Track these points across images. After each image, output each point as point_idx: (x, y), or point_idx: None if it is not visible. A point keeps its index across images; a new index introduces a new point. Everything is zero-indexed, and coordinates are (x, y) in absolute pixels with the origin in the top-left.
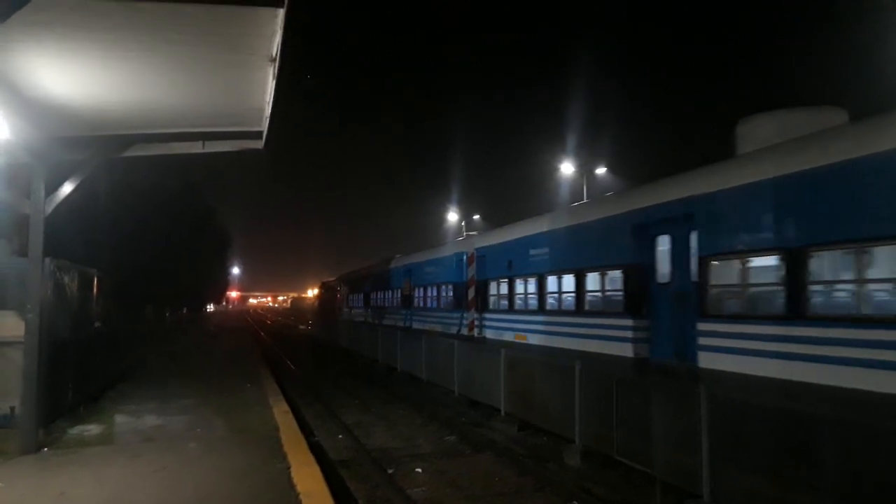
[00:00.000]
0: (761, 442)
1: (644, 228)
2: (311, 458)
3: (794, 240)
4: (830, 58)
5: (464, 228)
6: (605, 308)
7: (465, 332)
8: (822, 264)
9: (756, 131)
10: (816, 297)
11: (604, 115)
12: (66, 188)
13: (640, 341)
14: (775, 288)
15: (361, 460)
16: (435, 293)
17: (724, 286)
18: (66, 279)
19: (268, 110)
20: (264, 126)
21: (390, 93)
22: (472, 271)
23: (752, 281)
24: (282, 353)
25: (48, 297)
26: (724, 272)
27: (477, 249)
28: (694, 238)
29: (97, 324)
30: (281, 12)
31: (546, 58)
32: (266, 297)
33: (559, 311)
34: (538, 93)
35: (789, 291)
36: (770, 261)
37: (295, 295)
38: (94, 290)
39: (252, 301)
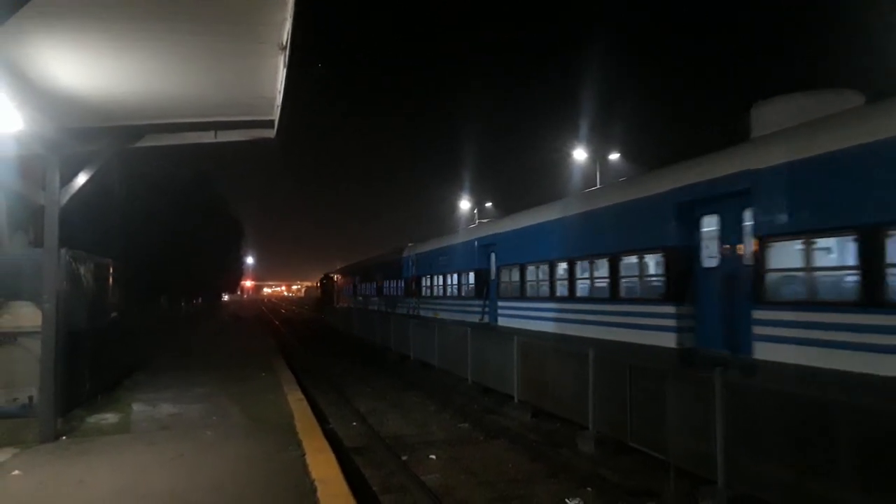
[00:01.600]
0: (777, 428)
1: (483, 248)
2: (325, 445)
3: (525, 258)
4: (846, 41)
5: (476, 216)
6: (469, 294)
7: (412, 312)
8: (537, 272)
9: (770, 115)
10: (531, 286)
11: (616, 101)
12: (80, 179)
13: (484, 313)
14: (518, 283)
15: (376, 447)
16: (395, 285)
17: (506, 282)
18: (82, 269)
19: (279, 99)
20: (276, 115)
21: (401, 82)
22: (413, 270)
23: (512, 280)
24: (295, 341)
25: (64, 288)
26: (505, 274)
27: (416, 254)
28: (497, 255)
29: (114, 314)
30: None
31: (545, 54)
32: (280, 286)
33: (452, 297)
34: (548, 82)
35: (521, 285)
36: (515, 270)
37: (309, 284)
38: (110, 280)
39: (266, 290)
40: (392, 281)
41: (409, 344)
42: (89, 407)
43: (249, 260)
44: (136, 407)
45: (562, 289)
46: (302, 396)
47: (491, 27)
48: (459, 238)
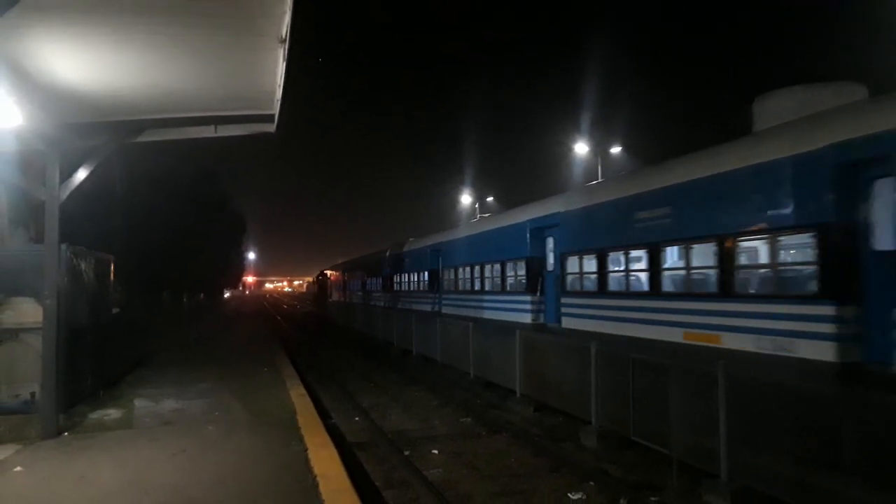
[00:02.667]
0: (780, 421)
1: (434, 252)
2: (328, 441)
3: (456, 261)
4: (851, 34)
5: (478, 210)
6: (426, 288)
7: (388, 304)
8: (463, 272)
9: (773, 108)
10: (461, 282)
11: (619, 97)
12: (81, 174)
13: (435, 304)
14: (453, 280)
15: (378, 442)
16: (375, 281)
17: (446, 279)
18: (83, 265)
19: (279, 93)
20: (276, 109)
21: (402, 81)
22: (389, 268)
23: (450, 277)
24: (297, 336)
25: (65, 284)
26: (446, 273)
27: (391, 255)
28: (442, 258)
29: (115, 309)
30: None
31: (546, 53)
32: (282, 281)
33: (415, 291)
34: (550, 80)
35: (455, 281)
36: (452, 270)
37: (311, 279)
38: (111, 275)
39: (268, 286)
40: (374, 278)
41: (412, 339)
42: (91, 403)
43: (251, 255)
44: (138, 402)
45: (477, 284)
46: (304, 391)
47: (491, 27)
48: (419, 244)
